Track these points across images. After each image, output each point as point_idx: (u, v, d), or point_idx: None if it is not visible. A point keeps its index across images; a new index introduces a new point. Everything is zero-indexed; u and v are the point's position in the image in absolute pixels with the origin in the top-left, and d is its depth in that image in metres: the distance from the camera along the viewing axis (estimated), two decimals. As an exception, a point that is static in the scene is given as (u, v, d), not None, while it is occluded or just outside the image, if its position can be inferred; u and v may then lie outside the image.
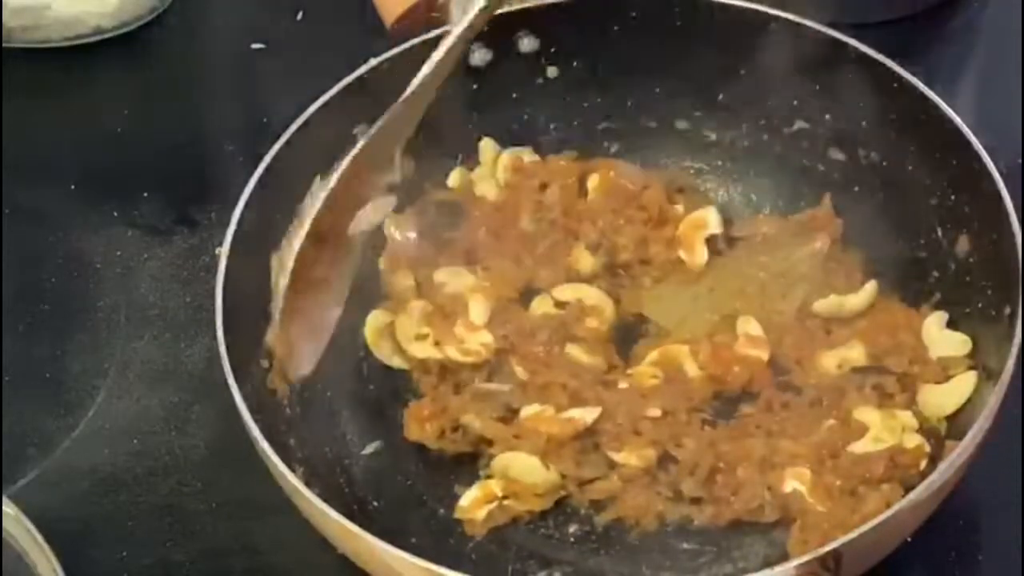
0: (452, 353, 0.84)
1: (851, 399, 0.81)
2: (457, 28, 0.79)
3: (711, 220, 0.89)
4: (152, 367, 0.90)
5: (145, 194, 0.99)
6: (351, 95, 0.86)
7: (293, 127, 0.84)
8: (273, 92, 0.99)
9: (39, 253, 0.96)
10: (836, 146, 0.89)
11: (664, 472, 0.80)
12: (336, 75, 0.87)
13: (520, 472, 0.80)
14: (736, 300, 0.87)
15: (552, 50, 0.91)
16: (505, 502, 0.80)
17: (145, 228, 0.97)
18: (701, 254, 0.88)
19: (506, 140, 0.93)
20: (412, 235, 0.89)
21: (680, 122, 0.93)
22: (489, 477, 0.81)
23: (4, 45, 1.06)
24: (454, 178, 0.92)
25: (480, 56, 0.90)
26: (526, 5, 0.89)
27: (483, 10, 0.79)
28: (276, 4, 1.09)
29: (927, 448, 0.78)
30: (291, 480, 0.72)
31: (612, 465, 0.81)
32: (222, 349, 0.76)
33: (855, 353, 0.83)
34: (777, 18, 0.86)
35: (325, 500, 0.71)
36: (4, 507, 0.73)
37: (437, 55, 0.79)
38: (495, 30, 0.88)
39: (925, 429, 0.79)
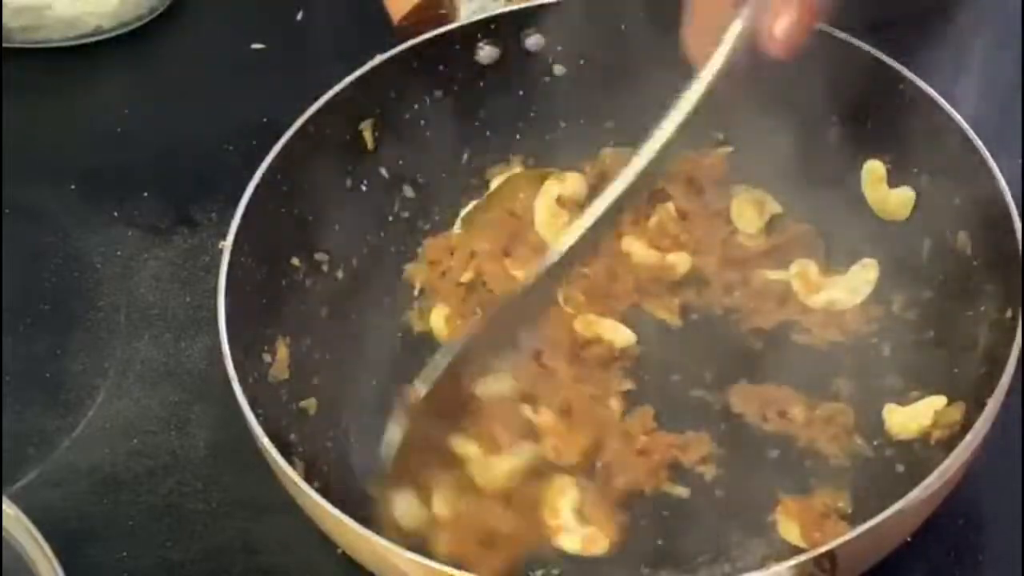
0: None
1: None
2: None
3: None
4: (152, 367, 0.90)
5: (145, 194, 0.99)
6: (355, 93, 0.87)
7: (298, 122, 0.85)
8: (273, 92, 0.99)
9: (39, 253, 0.96)
10: (839, 146, 0.89)
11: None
12: (336, 75, 0.87)
13: None
14: None
15: (559, 48, 0.91)
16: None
17: (145, 228, 0.97)
18: None
19: (510, 138, 0.93)
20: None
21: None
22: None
23: (4, 45, 1.06)
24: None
25: (487, 54, 0.90)
26: (533, 3, 0.90)
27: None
28: (276, 4, 1.09)
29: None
30: (292, 476, 0.72)
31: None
32: (224, 343, 0.76)
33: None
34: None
35: (326, 496, 0.71)
36: (4, 507, 0.73)
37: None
38: (502, 28, 0.88)
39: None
